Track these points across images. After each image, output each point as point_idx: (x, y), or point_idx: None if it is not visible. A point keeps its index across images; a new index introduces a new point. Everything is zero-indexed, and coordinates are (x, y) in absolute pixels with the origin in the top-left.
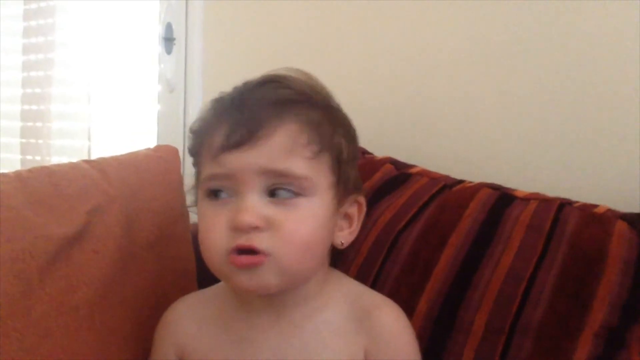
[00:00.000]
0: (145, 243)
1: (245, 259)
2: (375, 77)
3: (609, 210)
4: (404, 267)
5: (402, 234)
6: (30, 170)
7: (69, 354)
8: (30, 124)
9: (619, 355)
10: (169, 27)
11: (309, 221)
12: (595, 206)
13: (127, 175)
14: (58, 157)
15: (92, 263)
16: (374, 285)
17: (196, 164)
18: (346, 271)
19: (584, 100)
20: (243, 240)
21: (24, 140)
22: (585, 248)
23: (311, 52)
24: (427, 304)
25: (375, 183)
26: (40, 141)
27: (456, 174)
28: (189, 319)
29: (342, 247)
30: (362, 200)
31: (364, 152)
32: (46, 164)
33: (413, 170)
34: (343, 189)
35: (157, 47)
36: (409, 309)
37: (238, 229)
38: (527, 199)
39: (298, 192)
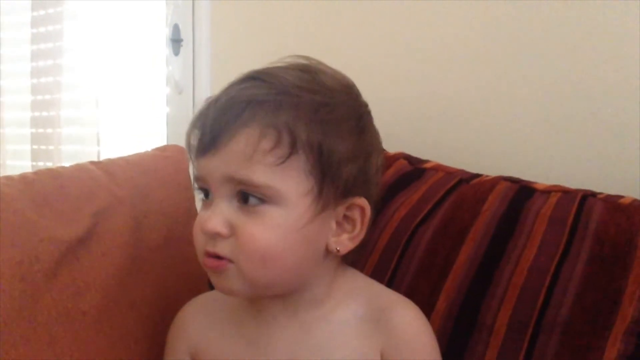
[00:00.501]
0: (154, 244)
1: (210, 262)
2: (387, 72)
3: (635, 200)
4: (421, 264)
5: (418, 231)
6: (35, 173)
7: None
8: (40, 130)
9: None
10: (176, 29)
11: (271, 231)
12: (621, 197)
13: (134, 176)
14: (69, 162)
15: (99, 266)
16: (391, 283)
17: (190, 160)
18: (361, 269)
19: (604, 91)
20: (210, 246)
21: (35, 147)
22: (611, 240)
23: (320, 50)
24: (447, 302)
25: (388, 179)
26: (50, 147)
27: (471, 169)
28: (201, 321)
29: (340, 254)
30: (364, 203)
31: None
32: None
33: (427, 165)
34: (330, 191)
35: (165, 49)
36: (427, 307)
37: (204, 234)
38: (548, 191)
39: (262, 198)
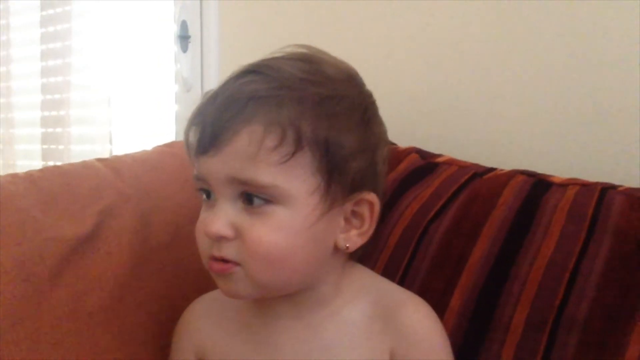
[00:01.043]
0: (161, 242)
1: (217, 266)
2: (396, 65)
3: None
4: (435, 261)
5: (431, 226)
6: (40, 170)
7: None
8: (50, 130)
9: None
10: (184, 25)
11: (277, 232)
12: None
13: (140, 172)
14: None
15: (105, 265)
16: (402, 281)
17: (190, 159)
18: (372, 267)
19: (622, 83)
20: (215, 251)
21: (45, 147)
22: (633, 234)
23: (330, 44)
24: (461, 300)
25: (400, 174)
26: (61, 147)
27: (485, 163)
28: (207, 320)
29: (349, 251)
30: (373, 198)
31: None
32: None
33: (440, 159)
34: (338, 188)
35: (173, 46)
36: (441, 305)
37: (208, 237)
38: (565, 184)
39: (269, 199)
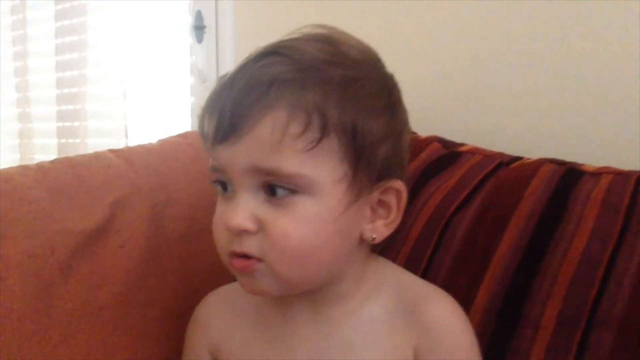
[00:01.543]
0: (176, 235)
1: (238, 263)
2: (415, 51)
3: None
4: (459, 254)
5: (455, 218)
6: (52, 162)
7: (94, 357)
8: (68, 124)
9: None
10: (199, 15)
11: (304, 224)
12: None
13: (154, 163)
14: None
15: (117, 258)
16: (425, 275)
17: (205, 148)
18: (393, 260)
19: None
20: (236, 246)
21: (62, 140)
22: None
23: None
24: (487, 295)
25: (421, 163)
26: (77, 140)
27: (510, 152)
28: (221, 315)
29: (375, 242)
30: (400, 185)
31: None
32: None
33: (463, 148)
34: (365, 176)
35: (188, 38)
36: (466, 301)
37: (229, 231)
38: (598, 173)
39: (295, 189)
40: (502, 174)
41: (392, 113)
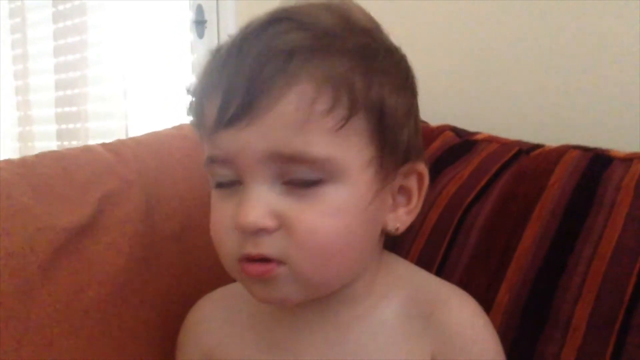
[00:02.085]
0: (169, 233)
1: (255, 268)
2: (426, 38)
3: None
4: (477, 249)
5: (471, 210)
6: (37, 155)
7: None
8: (71, 125)
9: None
10: (199, 9)
11: (334, 217)
12: None
13: (147, 157)
14: None
15: (105, 257)
16: (440, 273)
17: (200, 138)
18: (405, 257)
19: None
20: (250, 248)
21: (65, 143)
22: None
23: None
24: (510, 294)
25: (433, 153)
26: (79, 142)
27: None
28: (216, 319)
29: (398, 233)
30: (423, 168)
31: None
32: None
33: (478, 136)
34: (391, 159)
35: (189, 35)
36: (485, 302)
37: (242, 231)
38: (629, 158)
39: (321, 177)
40: (523, 162)
41: (411, 88)
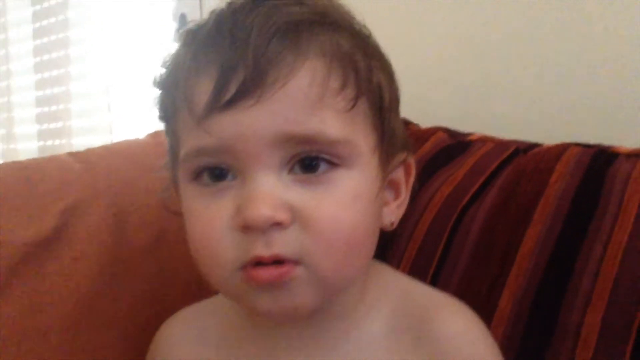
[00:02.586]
0: (141, 245)
1: (268, 273)
2: (414, 38)
3: None
4: (475, 254)
5: (468, 212)
6: None
7: None
8: (53, 125)
9: None
10: (182, 19)
11: (352, 206)
12: None
13: (117, 165)
14: None
15: (68, 273)
16: (435, 282)
17: (170, 132)
18: (396, 267)
19: None
20: (262, 248)
21: (49, 142)
22: None
23: None
24: (512, 302)
25: (425, 155)
26: (62, 141)
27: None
28: (187, 339)
29: (392, 228)
30: (411, 159)
31: (406, 122)
32: None
33: (472, 137)
34: (389, 148)
35: (173, 44)
36: (486, 310)
37: (250, 228)
38: (635, 154)
39: (334, 162)
40: (521, 161)
41: (395, 78)
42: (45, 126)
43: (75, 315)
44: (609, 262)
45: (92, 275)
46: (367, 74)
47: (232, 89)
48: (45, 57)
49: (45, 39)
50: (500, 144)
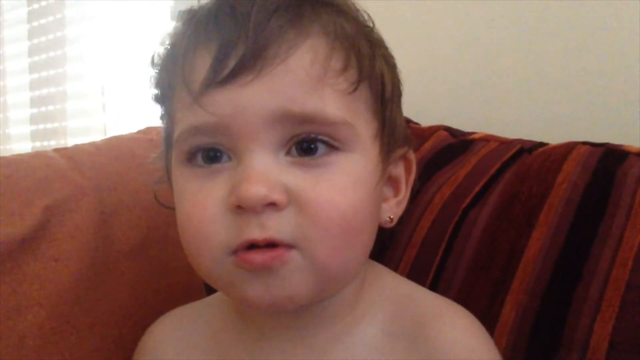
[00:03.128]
0: (127, 247)
1: (260, 256)
2: (417, 37)
3: None
4: (477, 259)
5: (469, 214)
6: None
7: None
8: (49, 125)
9: None
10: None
11: (351, 191)
12: None
13: (104, 162)
14: None
15: (49, 275)
16: (435, 286)
17: (165, 114)
18: (394, 270)
19: None
20: (255, 231)
21: (45, 143)
22: None
23: None
24: (516, 310)
25: (425, 154)
26: (59, 142)
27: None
28: (174, 341)
29: (391, 225)
30: (411, 155)
31: (408, 120)
32: None
33: (475, 136)
34: (390, 140)
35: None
36: (487, 319)
37: (244, 207)
38: None
39: (333, 145)
40: (525, 161)
41: (397, 69)
42: (40, 127)
43: (56, 319)
44: (619, 267)
45: (75, 276)
46: (370, 60)
47: (230, 64)
48: (42, 56)
49: (42, 38)
50: (504, 143)
